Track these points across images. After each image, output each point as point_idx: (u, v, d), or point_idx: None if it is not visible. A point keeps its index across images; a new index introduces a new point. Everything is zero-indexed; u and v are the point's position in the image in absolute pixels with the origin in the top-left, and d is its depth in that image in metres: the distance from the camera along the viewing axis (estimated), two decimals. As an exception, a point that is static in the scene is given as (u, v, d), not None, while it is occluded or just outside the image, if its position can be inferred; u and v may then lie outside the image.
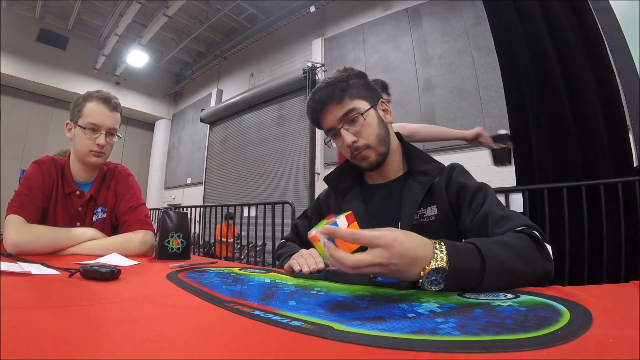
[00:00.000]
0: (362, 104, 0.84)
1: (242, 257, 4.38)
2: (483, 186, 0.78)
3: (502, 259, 0.53)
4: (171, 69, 9.57)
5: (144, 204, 1.20)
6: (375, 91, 0.89)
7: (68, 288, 0.54)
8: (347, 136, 0.82)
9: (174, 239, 0.98)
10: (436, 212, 0.80)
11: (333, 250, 0.49)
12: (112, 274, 0.60)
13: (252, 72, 7.78)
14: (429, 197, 0.81)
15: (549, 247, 0.61)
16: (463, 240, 0.61)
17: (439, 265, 0.49)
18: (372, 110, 0.84)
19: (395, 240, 0.47)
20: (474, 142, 1.72)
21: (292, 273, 0.73)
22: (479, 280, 0.51)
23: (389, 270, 0.48)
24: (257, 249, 4.37)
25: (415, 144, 0.92)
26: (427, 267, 0.48)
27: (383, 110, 0.88)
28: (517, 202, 2.01)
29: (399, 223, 0.80)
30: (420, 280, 0.49)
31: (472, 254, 0.52)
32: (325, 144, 0.91)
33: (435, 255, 0.49)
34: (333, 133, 0.86)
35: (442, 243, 0.51)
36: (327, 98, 0.83)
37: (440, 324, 0.36)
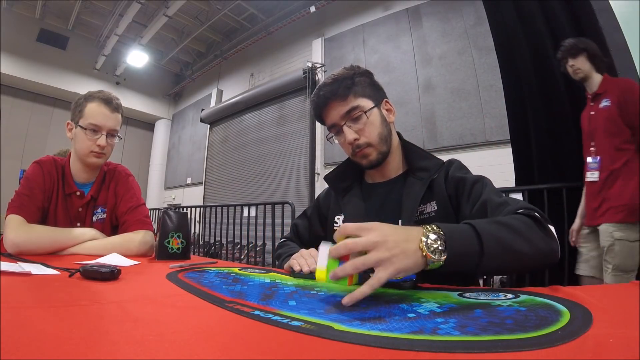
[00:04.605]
0: (366, 103, 0.84)
1: (242, 257, 4.38)
2: (480, 178, 0.78)
3: (500, 237, 0.52)
4: (171, 69, 9.56)
5: (144, 204, 1.20)
6: (380, 90, 0.89)
7: (68, 288, 0.54)
8: (349, 133, 0.83)
9: (174, 239, 0.98)
10: (436, 208, 0.80)
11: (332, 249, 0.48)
12: (112, 274, 0.60)
13: (252, 72, 7.77)
14: (429, 194, 0.81)
15: (551, 228, 0.60)
16: None
17: (435, 231, 0.49)
18: (375, 109, 0.84)
19: (377, 223, 0.49)
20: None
21: (292, 273, 0.73)
22: (478, 260, 0.50)
23: (391, 252, 0.45)
24: (257, 249, 4.37)
25: (414, 142, 0.92)
26: (422, 238, 0.48)
27: (387, 110, 0.89)
28: (517, 202, 2.00)
29: (400, 221, 0.80)
30: (425, 252, 0.47)
31: (468, 234, 0.51)
32: (327, 139, 0.91)
33: (425, 229, 0.49)
34: (336, 130, 0.87)
35: (432, 225, 0.50)
36: (332, 94, 0.83)
37: (440, 324, 0.36)
